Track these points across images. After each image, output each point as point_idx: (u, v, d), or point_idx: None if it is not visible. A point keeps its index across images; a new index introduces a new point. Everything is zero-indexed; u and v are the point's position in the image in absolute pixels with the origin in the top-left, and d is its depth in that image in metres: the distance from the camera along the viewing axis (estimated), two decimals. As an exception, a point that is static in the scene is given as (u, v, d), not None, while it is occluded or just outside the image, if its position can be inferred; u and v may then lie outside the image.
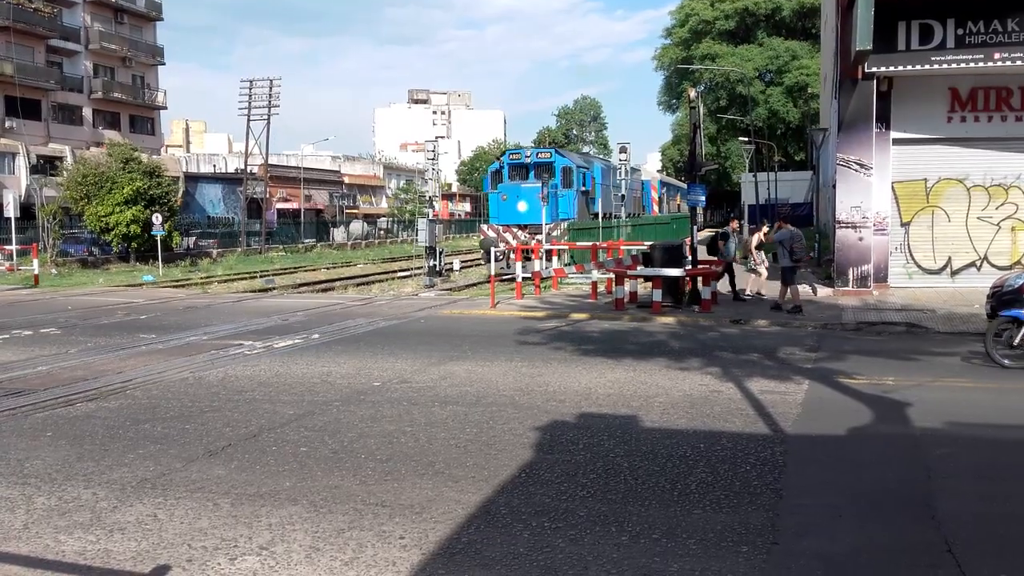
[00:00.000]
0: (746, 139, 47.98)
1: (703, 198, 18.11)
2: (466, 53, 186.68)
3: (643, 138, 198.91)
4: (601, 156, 43.33)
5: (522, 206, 26.04)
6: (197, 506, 5.51)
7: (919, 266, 18.48)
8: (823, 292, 18.25)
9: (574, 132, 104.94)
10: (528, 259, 22.72)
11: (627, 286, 16.86)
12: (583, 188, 28.42)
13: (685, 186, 50.56)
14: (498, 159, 28.30)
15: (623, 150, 31.19)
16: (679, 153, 74.03)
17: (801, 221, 22.99)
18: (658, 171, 72.07)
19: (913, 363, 10.66)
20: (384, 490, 5.77)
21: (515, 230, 25.49)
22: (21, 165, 48.50)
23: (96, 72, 55.78)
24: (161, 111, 62.39)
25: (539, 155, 27.96)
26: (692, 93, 18.47)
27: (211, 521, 5.23)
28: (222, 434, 7.37)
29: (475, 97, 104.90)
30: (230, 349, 12.23)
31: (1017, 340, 10.00)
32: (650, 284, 16.79)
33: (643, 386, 9.17)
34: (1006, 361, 10.05)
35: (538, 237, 23.07)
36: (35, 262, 26.39)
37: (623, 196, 30.63)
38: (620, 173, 30.73)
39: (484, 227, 27.05)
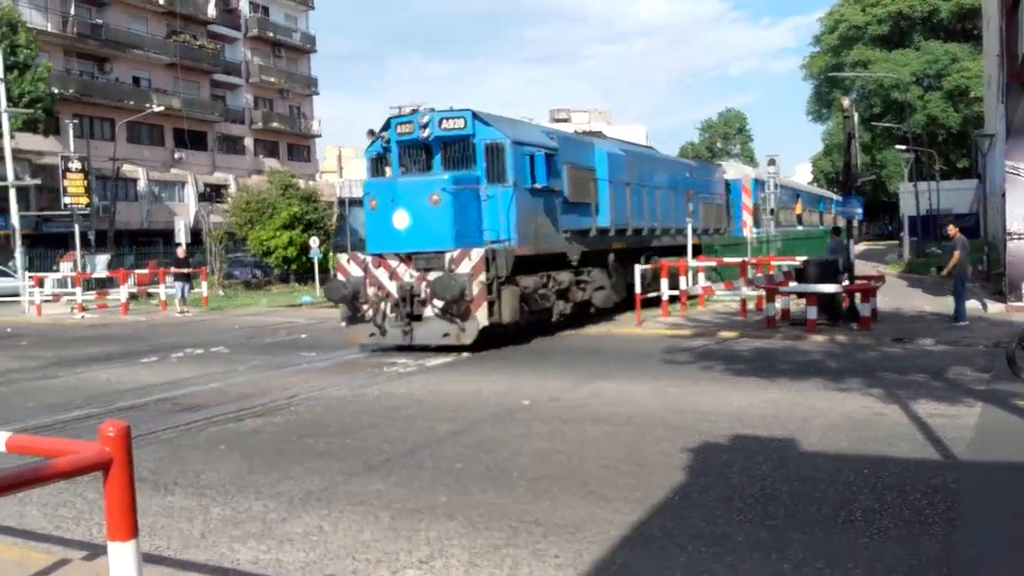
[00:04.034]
0: (904, 147, 45.78)
1: (860, 210, 17.40)
2: (608, 68, 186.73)
3: (792, 150, 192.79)
4: (623, 140, 23.18)
5: (401, 219, 13.95)
6: (359, 519, 5.72)
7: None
8: (994, 308, 17.15)
9: (718, 145, 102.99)
10: (674, 277, 21.37)
11: (779, 303, 16.37)
12: (537, 185, 14.88)
13: (833, 196, 46.81)
14: (381, 135, 15.46)
15: (771, 162, 30.02)
16: (831, 164, 71.37)
17: (967, 233, 20.12)
18: (809, 183, 69.56)
19: (1101, 385, 9.84)
20: (538, 508, 5.82)
21: (394, 263, 14.04)
22: (190, 193, 52.05)
23: (256, 104, 59.20)
24: (316, 139, 65.56)
25: (445, 124, 14.69)
26: (845, 102, 17.81)
27: (373, 534, 5.42)
28: (380, 449, 7.63)
29: (616, 113, 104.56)
30: (385, 367, 12.66)
31: None
32: (803, 301, 16.25)
33: (800, 407, 8.87)
34: None
35: (432, 274, 13.62)
36: (204, 284, 28.16)
37: (772, 210, 29.14)
38: (768, 186, 29.27)
39: (342, 259, 14.97)
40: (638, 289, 17.30)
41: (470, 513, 5.76)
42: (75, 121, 41.93)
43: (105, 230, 43.86)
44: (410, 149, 15.28)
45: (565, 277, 16.20)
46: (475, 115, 14.62)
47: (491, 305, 13.53)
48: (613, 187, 18.12)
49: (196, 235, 39.16)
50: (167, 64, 50.97)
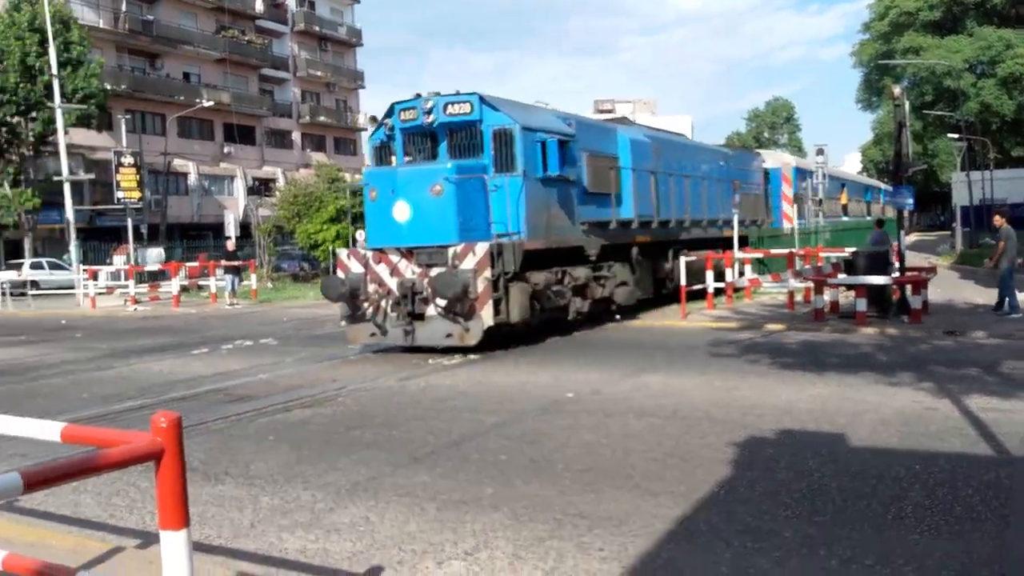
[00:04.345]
0: (956, 136, 44.74)
1: (911, 200, 17.05)
2: (650, 59, 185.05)
3: (841, 139, 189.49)
4: (650, 127, 21.22)
5: (402, 211, 13.01)
6: (405, 510, 5.77)
7: None
8: (1050, 300, 16.68)
9: (765, 135, 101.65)
10: (719, 270, 20.93)
11: (827, 295, 16.13)
12: (550, 174, 13.80)
13: (881, 185, 45.50)
14: (384, 122, 14.47)
15: (820, 152, 29.51)
16: (880, 153, 70.10)
17: (1021, 223, 18.94)
18: (858, 173, 68.32)
19: None
20: (583, 501, 5.82)
21: (395, 259, 13.20)
22: (239, 187, 52.83)
23: (303, 98, 59.86)
24: (362, 132, 66.06)
25: (450, 109, 13.69)
26: (896, 90, 17.44)
27: (419, 525, 5.46)
28: (426, 441, 7.68)
29: (661, 104, 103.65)
30: (430, 359, 12.74)
31: None
32: (852, 293, 15.98)
33: (849, 402, 8.74)
34: None
35: (435, 270, 12.76)
36: (252, 277, 28.56)
37: (820, 200, 28.67)
38: (817, 176, 28.77)
39: (342, 254, 14.05)
40: (683, 282, 17.17)
41: (515, 505, 5.77)
42: (127, 116, 42.81)
43: (157, 224, 44.75)
44: (414, 136, 14.29)
45: (582, 273, 15.14)
46: (482, 99, 13.63)
47: (497, 303, 12.70)
48: (637, 176, 16.88)
49: (245, 228, 39.74)
50: (216, 59, 51.73)
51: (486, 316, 12.52)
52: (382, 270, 13.29)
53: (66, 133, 34.20)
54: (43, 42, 34.50)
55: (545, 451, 7.16)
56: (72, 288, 29.48)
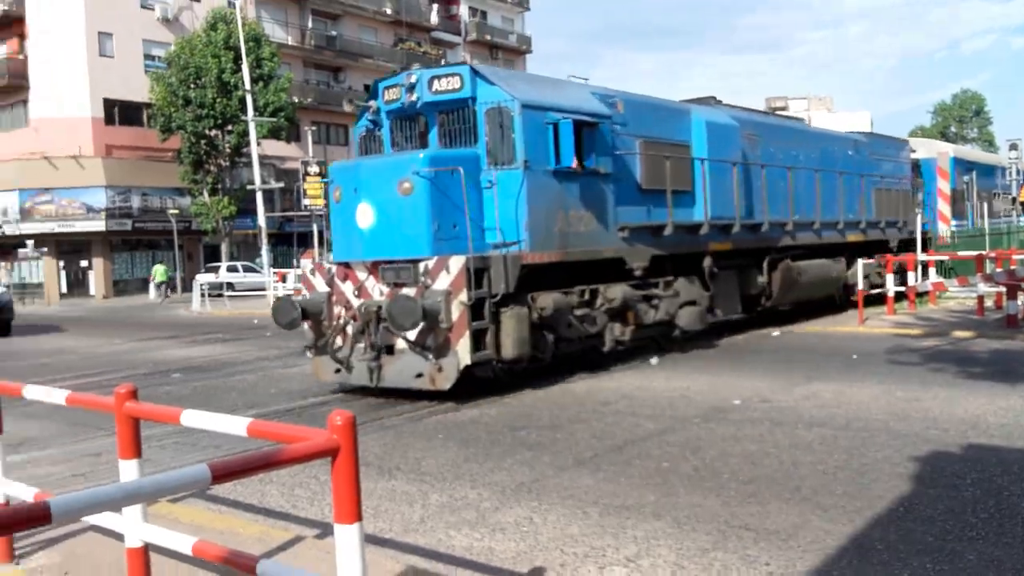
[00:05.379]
0: None
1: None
2: (825, 54, 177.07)
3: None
4: (744, 108, 16.57)
5: (364, 215, 10.59)
6: (568, 513, 5.83)
7: None
8: None
9: (952, 130, 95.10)
10: (901, 272, 18.72)
11: (1021, 301, 14.95)
12: (564, 166, 10.84)
13: None
14: (368, 105, 11.93)
15: (1013, 147, 27.31)
16: (1089, 145, 64.03)
17: None
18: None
19: None
20: (747, 512, 5.69)
21: (362, 275, 10.69)
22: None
23: (474, 105, 61.24)
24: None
25: (437, 85, 11.00)
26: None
27: (581, 528, 5.51)
28: (589, 444, 7.73)
29: (837, 100, 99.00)
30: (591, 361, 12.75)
31: None
32: (1053, 298, 14.72)
33: (1046, 416, 8.08)
34: None
35: (406, 290, 10.13)
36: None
37: (1014, 199, 26.38)
38: (1010, 173, 26.55)
39: (306, 269, 11.71)
40: (860, 285, 16.36)
41: (677, 514, 5.72)
42: (313, 128, 45.35)
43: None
44: (401, 121, 11.64)
45: (618, 292, 11.86)
46: (474, 71, 10.97)
47: (480, 335, 9.93)
48: (713, 169, 13.56)
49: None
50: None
51: (462, 352, 9.76)
52: (348, 289, 10.76)
53: (258, 144, 36.64)
54: (237, 59, 37.10)
55: (708, 459, 7.05)
56: (263, 289, 31.48)
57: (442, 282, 9.87)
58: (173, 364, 14.88)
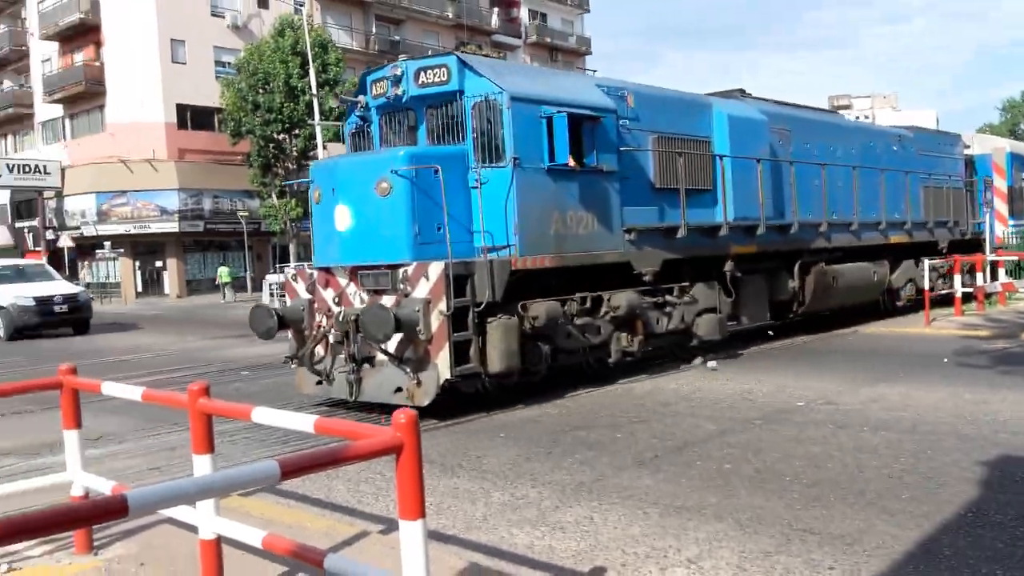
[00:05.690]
0: None
1: None
2: (891, 51, 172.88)
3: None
4: (774, 100, 15.21)
5: (342, 217, 9.98)
6: (628, 513, 5.85)
7: None
8: None
9: (1021, 127, 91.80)
10: (970, 272, 18.17)
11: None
12: (558, 163, 10.01)
13: None
14: (356, 100, 11.27)
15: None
16: None
17: None
18: None
19: None
20: (811, 516, 5.64)
21: (343, 282, 10.09)
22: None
23: (536, 106, 61.34)
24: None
25: (423, 77, 10.32)
26: None
27: (642, 529, 5.53)
28: (650, 445, 7.73)
29: (903, 97, 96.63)
30: (655, 362, 12.69)
31: None
32: None
33: (1125, 422, 7.82)
34: None
35: (386, 299, 9.54)
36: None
37: None
38: None
39: (289, 275, 11.26)
40: (926, 285, 15.97)
41: (739, 516, 5.70)
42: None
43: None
44: (390, 116, 11.00)
45: (625, 299, 11.02)
46: (462, 62, 10.15)
47: (463, 348, 9.26)
48: (735, 165, 12.69)
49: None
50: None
51: (442, 365, 9.09)
52: (329, 296, 10.19)
53: (324, 148, 37.21)
54: (304, 65, 37.74)
55: (770, 461, 6.99)
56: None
57: (421, 290, 9.24)
58: (242, 362, 15.26)
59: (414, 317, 9.00)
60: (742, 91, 14.39)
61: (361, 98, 11.09)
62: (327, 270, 10.24)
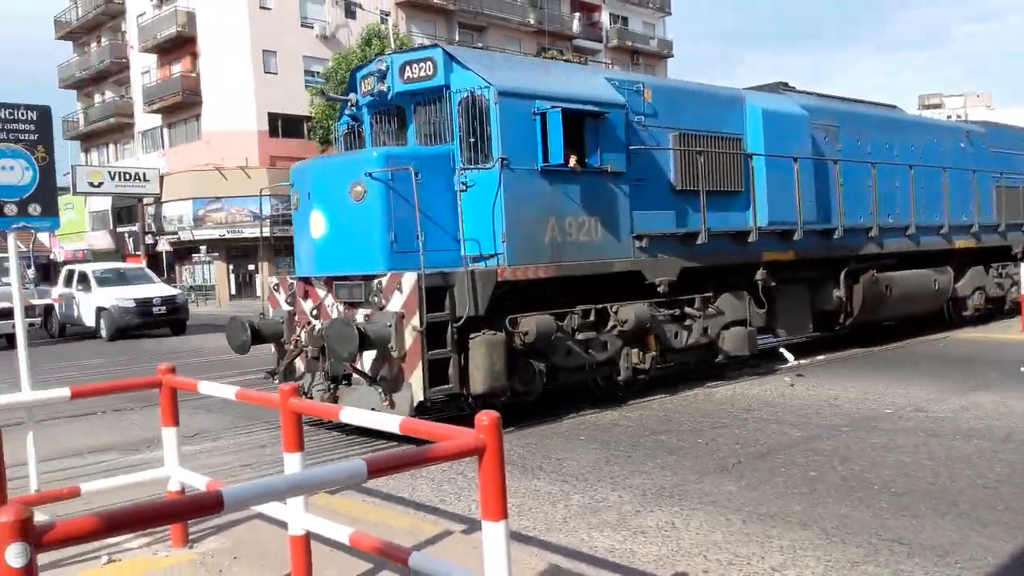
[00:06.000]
0: None
1: None
2: (986, 49, 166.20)
3: None
4: (821, 94, 14.04)
5: (317, 223, 9.31)
6: (710, 519, 5.81)
7: None
8: None
9: None
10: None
11: None
12: (553, 164, 9.12)
13: None
14: (347, 98, 10.69)
15: None
16: None
17: None
18: None
19: None
20: (900, 526, 5.51)
21: (321, 292, 9.42)
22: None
23: (618, 109, 61.03)
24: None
25: (409, 72, 9.49)
26: None
27: (724, 535, 5.48)
28: (732, 451, 7.64)
29: (998, 96, 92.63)
30: (733, 366, 12.51)
31: None
32: None
33: None
34: None
35: (360, 312, 8.90)
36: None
37: None
38: None
39: (272, 285, 10.44)
40: (1023, 291, 15.26)
41: (825, 524, 5.60)
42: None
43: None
44: (380, 115, 10.24)
45: (631, 312, 9.94)
46: (448, 54, 9.32)
47: (440, 366, 8.51)
48: (769, 164, 11.57)
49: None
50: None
51: (416, 385, 8.35)
52: (308, 308, 9.54)
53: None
54: (390, 72, 38.39)
55: (857, 469, 6.83)
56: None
57: (395, 303, 8.48)
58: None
59: (385, 333, 8.32)
60: (785, 84, 13.48)
61: (351, 96, 10.47)
62: (307, 280, 9.60)
